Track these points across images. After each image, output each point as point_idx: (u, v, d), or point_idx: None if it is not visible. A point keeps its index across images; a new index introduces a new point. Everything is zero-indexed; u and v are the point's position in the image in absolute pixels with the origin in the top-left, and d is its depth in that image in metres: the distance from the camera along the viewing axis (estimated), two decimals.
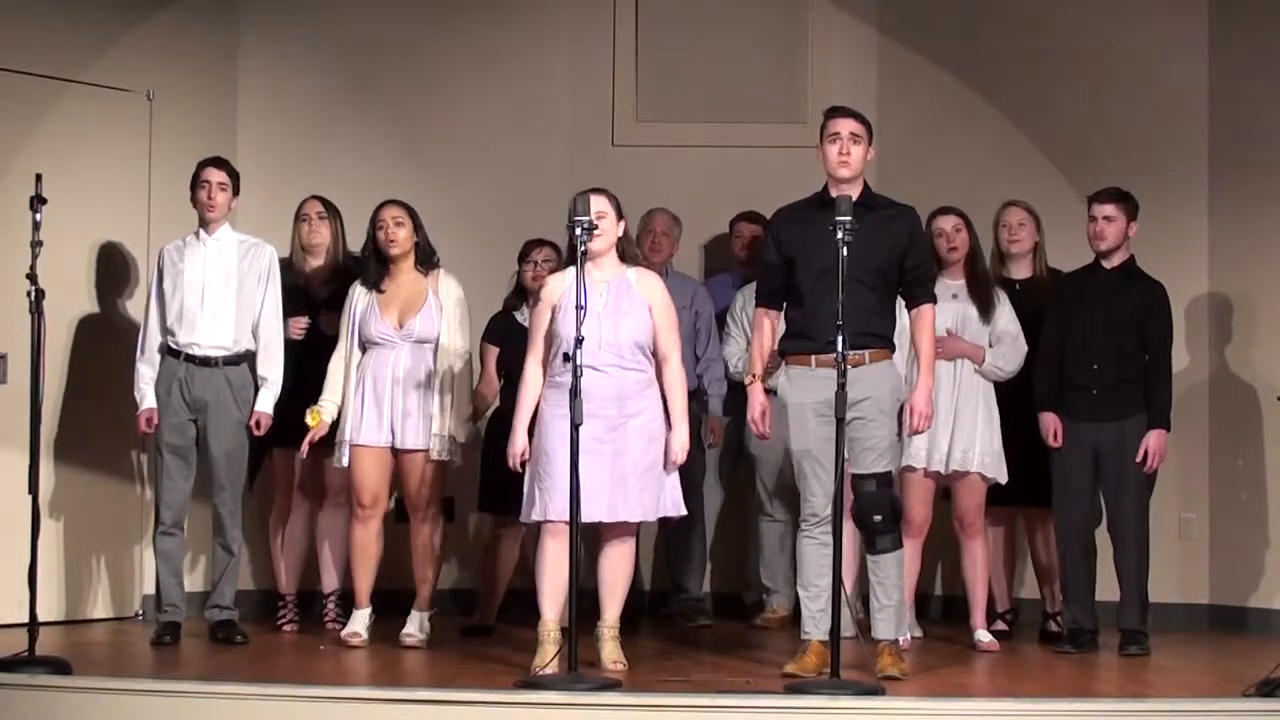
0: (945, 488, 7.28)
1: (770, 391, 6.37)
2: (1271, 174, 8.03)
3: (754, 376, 6.32)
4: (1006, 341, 7.23)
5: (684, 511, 6.46)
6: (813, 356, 6.14)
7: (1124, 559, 7.07)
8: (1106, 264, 7.16)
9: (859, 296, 6.05)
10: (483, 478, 7.48)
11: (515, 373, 7.06)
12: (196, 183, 7.17)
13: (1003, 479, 7.19)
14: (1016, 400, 7.21)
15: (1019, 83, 8.56)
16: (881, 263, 6.17)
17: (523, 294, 7.47)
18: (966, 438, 7.13)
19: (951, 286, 7.19)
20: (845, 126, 6.22)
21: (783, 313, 6.33)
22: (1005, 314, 7.26)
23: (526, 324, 7.27)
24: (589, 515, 6.15)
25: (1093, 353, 7.09)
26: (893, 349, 6.26)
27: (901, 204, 6.35)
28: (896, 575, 6.26)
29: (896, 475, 6.42)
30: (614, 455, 6.23)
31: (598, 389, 6.21)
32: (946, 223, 7.28)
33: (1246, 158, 8.17)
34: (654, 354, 6.37)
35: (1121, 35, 8.48)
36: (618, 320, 6.31)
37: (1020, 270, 7.59)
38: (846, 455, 6.16)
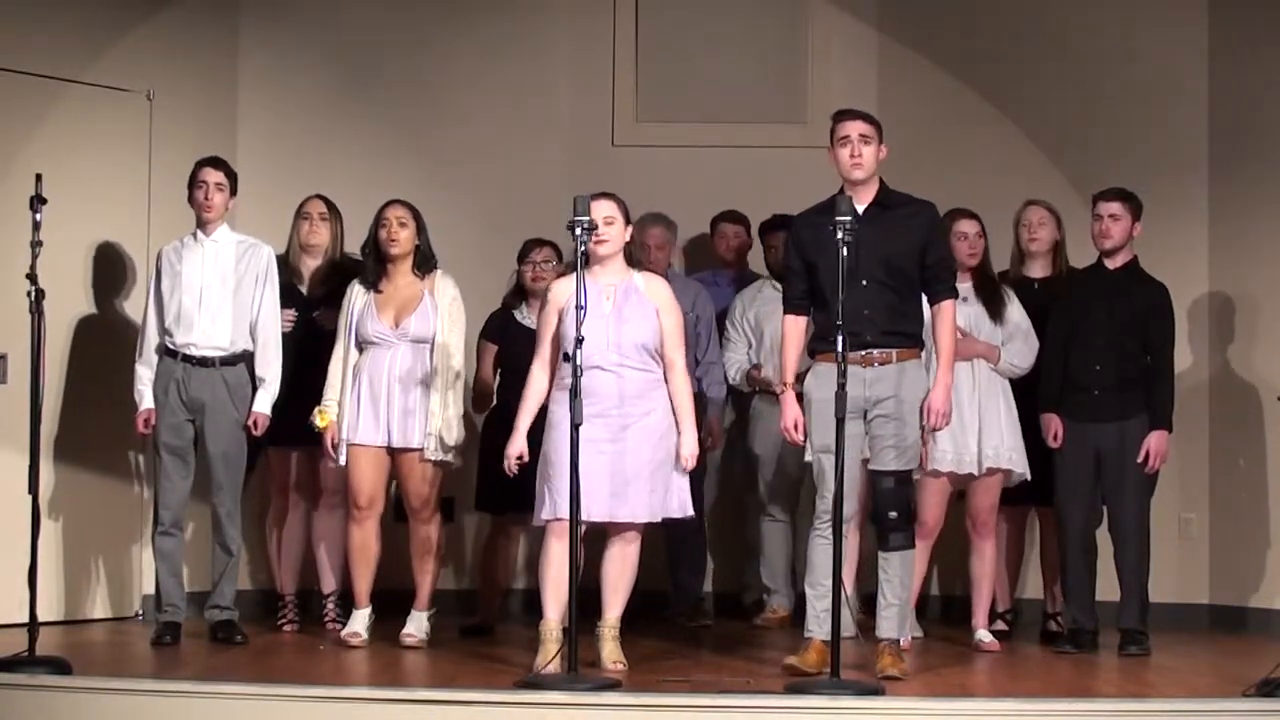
0: (960, 490, 7.27)
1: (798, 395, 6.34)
2: (1271, 174, 8.03)
3: (785, 385, 6.30)
4: (1019, 338, 7.23)
5: (691, 513, 6.45)
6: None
7: (1124, 559, 7.07)
8: (1110, 264, 7.16)
9: (882, 296, 6.07)
10: (479, 477, 7.47)
11: (511, 370, 7.07)
12: (194, 183, 7.17)
13: (1028, 475, 7.19)
14: (1030, 399, 7.21)
15: (1019, 83, 8.57)
16: (902, 261, 6.17)
17: (522, 293, 7.48)
18: (995, 435, 7.12)
19: (960, 289, 7.17)
20: (854, 128, 6.22)
21: (810, 316, 6.33)
22: (1015, 311, 7.26)
23: (526, 323, 7.30)
24: (593, 515, 6.16)
25: (1095, 353, 7.09)
26: (921, 346, 6.26)
27: (920, 200, 6.34)
28: (904, 574, 6.25)
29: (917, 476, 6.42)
30: (619, 456, 6.24)
31: (604, 389, 6.23)
32: (970, 226, 7.26)
33: (1246, 158, 8.17)
34: (660, 357, 6.38)
35: (1122, 35, 8.48)
36: (624, 322, 6.31)
37: (1040, 269, 7.59)
38: (867, 452, 6.18)
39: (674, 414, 6.33)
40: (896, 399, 6.14)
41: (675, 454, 6.33)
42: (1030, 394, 7.22)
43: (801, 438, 6.27)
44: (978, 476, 7.15)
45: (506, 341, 7.35)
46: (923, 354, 6.30)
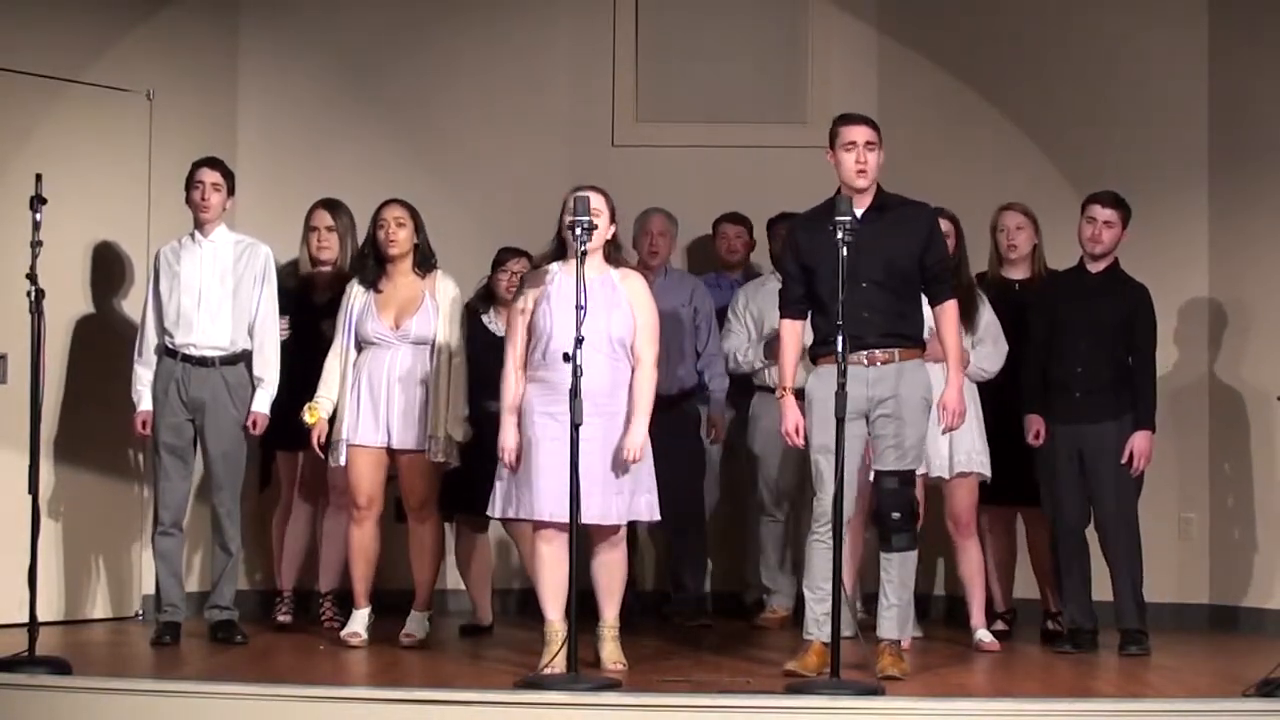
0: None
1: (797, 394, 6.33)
2: (1271, 175, 8.02)
3: (784, 390, 6.28)
4: (988, 342, 7.23)
5: (657, 517, 6.39)
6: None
7: (1116, 560, 7.08)
8: (1093, 268, 7.17)
9: (881, 298, 6.07)
10: (442, 479, 7.35)
11: (475, 373, 6.99)
12: (191, 183, 7.17)
13: (988, 475, 7.18)
14: (1012, 400, 7.21)
15: (1019, 83, 8.56)
16: (901, 262, 6.17)
17: (490, 299, 7.44)
18: (967, 440, 7.12)
19: None
20: (861, 135, 6.21)
21: (808, 320, 6.32)
22: (986, 316, 7.25)
23: (492, 328, 7.29)
24: (559, 516, 6.09)
25: (1077, 355, 7.09)
26: (923, 347, 6.26)
27: (917, 202, 6.34)
28: (906, 575, 6.24)
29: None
30: (588, 453, 6.05)
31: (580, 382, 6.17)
32: None
33: (1246, 159, 8.16)
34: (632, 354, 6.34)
35: (1122, 36, 8.48)
36: (600, 315, 6.26)
37: (1019, 271, 7.59)
38: (869, 453, 6.18)
39: (629, 406, 6.26)
40: (897, 399, 6.13)
41: (644, 454, 6.25)
42: (1000, 395, 7.21)
43: (803, 441, 6.26)
44: (948, 480, 7.13)
45: (471, 346, 7.23)
46: (923, 354, 6.30)
